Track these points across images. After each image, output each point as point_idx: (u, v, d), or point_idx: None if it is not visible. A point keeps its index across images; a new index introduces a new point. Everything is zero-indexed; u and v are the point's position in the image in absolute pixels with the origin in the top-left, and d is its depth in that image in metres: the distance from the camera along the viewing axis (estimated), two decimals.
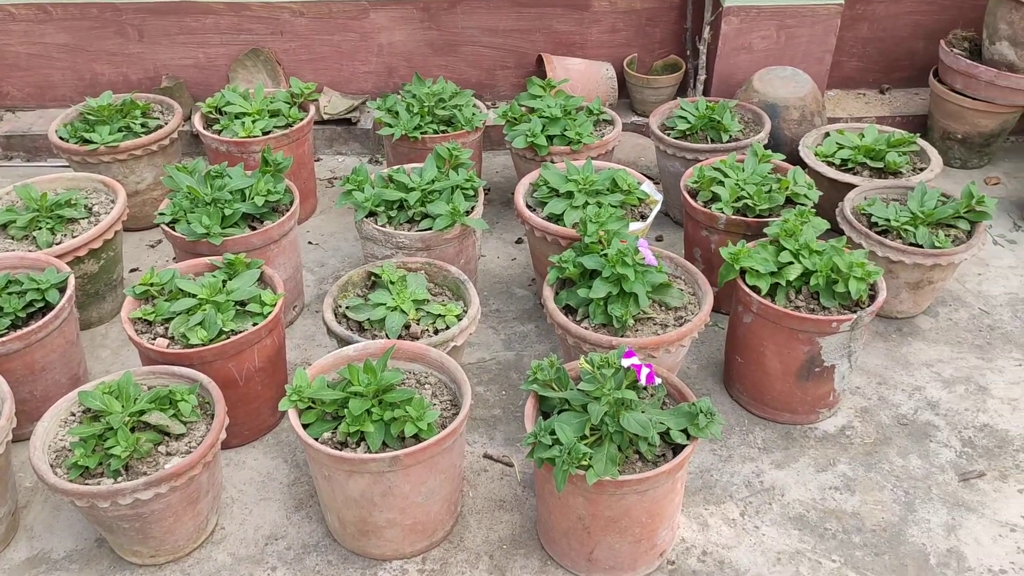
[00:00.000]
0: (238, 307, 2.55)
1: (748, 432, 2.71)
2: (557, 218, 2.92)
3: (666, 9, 4.12)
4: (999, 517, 2.45)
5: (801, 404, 2.68)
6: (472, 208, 2.93)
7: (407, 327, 2.55)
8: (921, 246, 2.92)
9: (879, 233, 3.00)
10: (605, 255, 2.53)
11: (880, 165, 3.35)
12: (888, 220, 2.97)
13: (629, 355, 2.12)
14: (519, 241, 3.59)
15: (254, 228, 2.91)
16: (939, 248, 2.89)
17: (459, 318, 2.58)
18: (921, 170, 3.37)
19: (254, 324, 2.50)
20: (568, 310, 2.62)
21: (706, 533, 2.40)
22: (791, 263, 2.59)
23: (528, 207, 3.03)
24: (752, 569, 2.31)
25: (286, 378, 2.70)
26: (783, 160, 3.18)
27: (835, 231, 3.23)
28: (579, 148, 3.33)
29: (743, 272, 2.61)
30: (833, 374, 2.62)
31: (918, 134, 3.51)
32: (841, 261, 2.55)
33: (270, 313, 2.52)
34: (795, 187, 2.99)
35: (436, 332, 2.55)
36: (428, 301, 2.62)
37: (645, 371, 2.10)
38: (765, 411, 2.73)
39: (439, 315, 2.58)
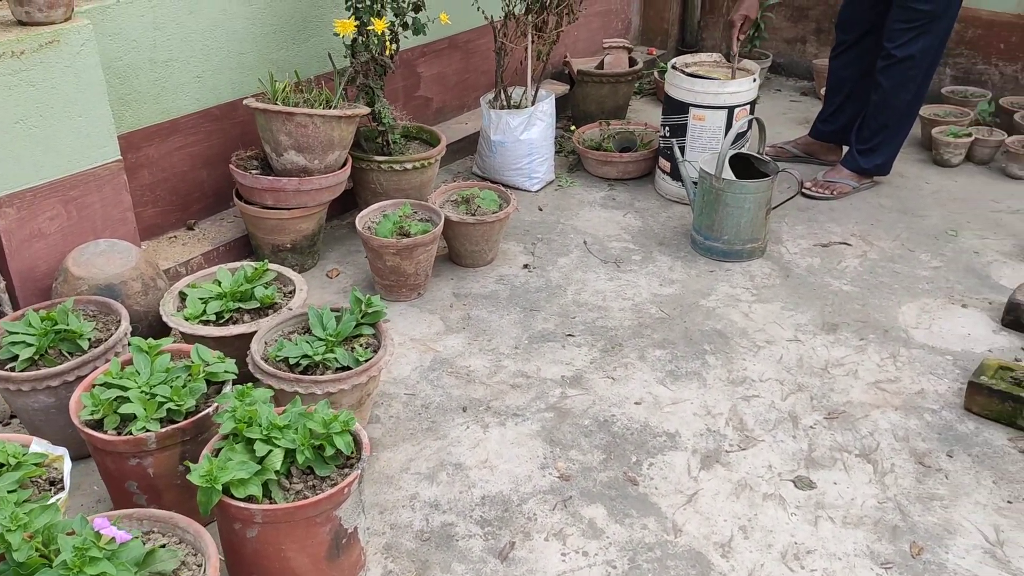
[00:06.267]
0: None
1: None
2: None
3: None
4: (548, 573, 2.57)
5: None
6: None
7: None
8: (349, 367, 2.87)
9: (304, 372, 2.86)
10: (63, 563, 1.88)
11: (256, 304, 3.21)
12: (309, 356, 2.85)
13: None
14: None
15: None
16: (368, 360, 2.88)
17: None
18: (291, 293, 3.33)
19: None
20: None
21: None
22: (270, 451, 2.29)
23: None
24: None
25: None
26: (173, 343, 2.80)
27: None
28: None
29: (225, 488, 2.22)
30: (358, 535, 2.42)
31: (266, 260, 3.45)
32: (315, 424, 2.34)
33: None
34: (209, 367, 2.66)
35: None
36: None
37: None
38: None
39: None
